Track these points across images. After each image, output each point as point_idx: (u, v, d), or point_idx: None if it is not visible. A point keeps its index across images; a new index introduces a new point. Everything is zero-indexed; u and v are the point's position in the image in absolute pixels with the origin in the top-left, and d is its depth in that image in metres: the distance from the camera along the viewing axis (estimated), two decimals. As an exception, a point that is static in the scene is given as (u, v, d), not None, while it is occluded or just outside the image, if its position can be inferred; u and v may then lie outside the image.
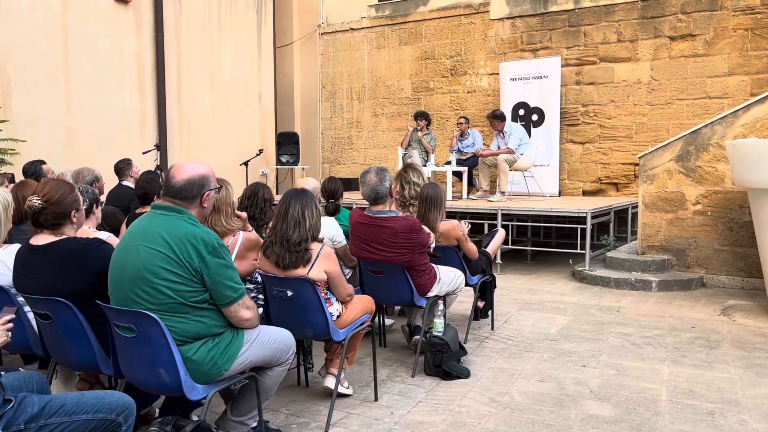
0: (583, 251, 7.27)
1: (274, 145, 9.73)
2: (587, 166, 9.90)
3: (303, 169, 10.14)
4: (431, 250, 4.13)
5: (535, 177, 9.26)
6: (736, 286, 6.79)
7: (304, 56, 12.69)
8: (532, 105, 10.00)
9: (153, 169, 7.75)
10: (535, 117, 10.00)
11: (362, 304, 3.49)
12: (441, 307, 4.06)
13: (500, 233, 5.20)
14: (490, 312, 5.18)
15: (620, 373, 4.11)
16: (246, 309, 2.56)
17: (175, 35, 8.80)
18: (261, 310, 3.41)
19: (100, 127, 7.89)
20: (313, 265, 3.13)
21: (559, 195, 9.84)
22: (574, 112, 9.94)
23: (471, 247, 4.63)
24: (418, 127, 9.71)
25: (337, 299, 3.32)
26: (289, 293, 3.13)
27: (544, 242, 9.24)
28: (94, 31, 7.89)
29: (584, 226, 7.23)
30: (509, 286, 6.96)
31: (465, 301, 5.71)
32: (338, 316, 3.29)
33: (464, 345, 4.24)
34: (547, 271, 7.87)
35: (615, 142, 9.68)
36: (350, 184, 11.85)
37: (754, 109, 6.63)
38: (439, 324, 4.04)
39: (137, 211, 5.00)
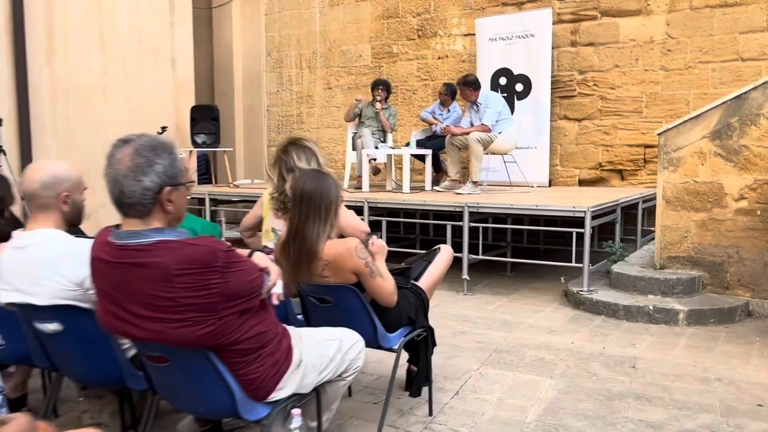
0: (580, 264, 5.23)
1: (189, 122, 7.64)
2: (585, 148, 7.85)
3: (225, 152, 8.05)
4: (274, 300, 2.08)
5: (517, 163, 7.20)
6: (797, 317, 4.78)
7: (245, 18, 10.57)
8: (516, 72, 7.93)
9: None
10: (519, 87, 7.93)
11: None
12: (296, 422, 2.00)
13: (443, 254, 3.13)
14: (426, 387, 3.13)
15: None
16: None
17: (42, -26, 6.67)
18: None
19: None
20: None
21: (550, 185, 7.79)
22: (569, 81, 7.87)
23: (381, 286, 2.59)
24: (377, 98, 7.65)
25: None
26: None
27: (528, 248, 7.19)
28: None
29: (581, 230, 5.19)
30: (476, 315, 4.93)
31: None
32: None
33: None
34: (531, 290, 5.84)
35: (620, 118, 7.63)
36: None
37: (829, 62, 4.58)
38: (294, 457, 1.99)
39: None
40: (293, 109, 10.31)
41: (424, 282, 2.96)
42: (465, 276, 5.60)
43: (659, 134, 5.32)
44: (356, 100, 7.83)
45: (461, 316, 4.89)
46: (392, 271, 2.82)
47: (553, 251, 6.87)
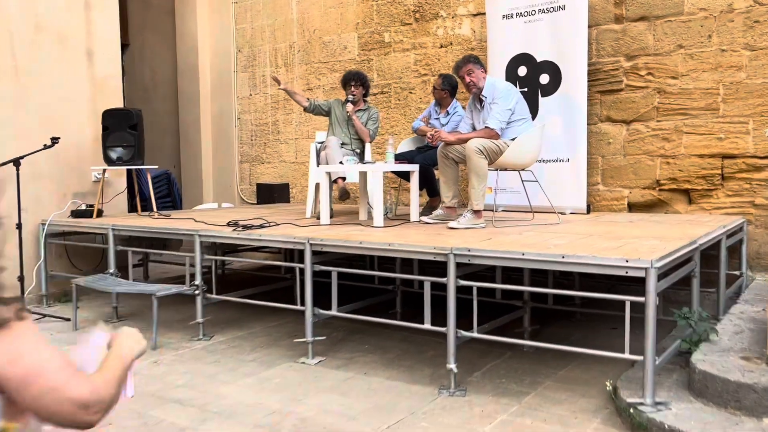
0: (639, 356, 3.08)
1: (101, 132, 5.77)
2: (637, 160, 5.70)
3: (149, 171, 6.11)
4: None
5: (540, 182, 5.07)
6: None
7: (212, 7, 8.78)
8: (539, 59, 5.85)
9: None
10: (545, 78, 5.84)
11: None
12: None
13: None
14: None
15: None
16: None
17: None
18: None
19: None
20: None
21: (588, 211, 5.65)
22: (614, 70, 5.76)
23: None
24: (350, 97, 5.68)
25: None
26: None
27: (556, 311, 5.01)
28: None
29: (639, 299, 3.06)
30: (457, 451, 2.84)
31: None
32: None
33: None
34: (559, 384, 3.70)
35: (686, 118, 5.47)
36: (273, 194, 7.93)
37: None
38: None
39: None
40: (268, 116, 8.41)
41: None
42: (450, 365, 3.51)
43: (771, 136, 3.17)
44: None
45: (432, 452, 2.81)
46: None
47: (595, 317, 4.72)
